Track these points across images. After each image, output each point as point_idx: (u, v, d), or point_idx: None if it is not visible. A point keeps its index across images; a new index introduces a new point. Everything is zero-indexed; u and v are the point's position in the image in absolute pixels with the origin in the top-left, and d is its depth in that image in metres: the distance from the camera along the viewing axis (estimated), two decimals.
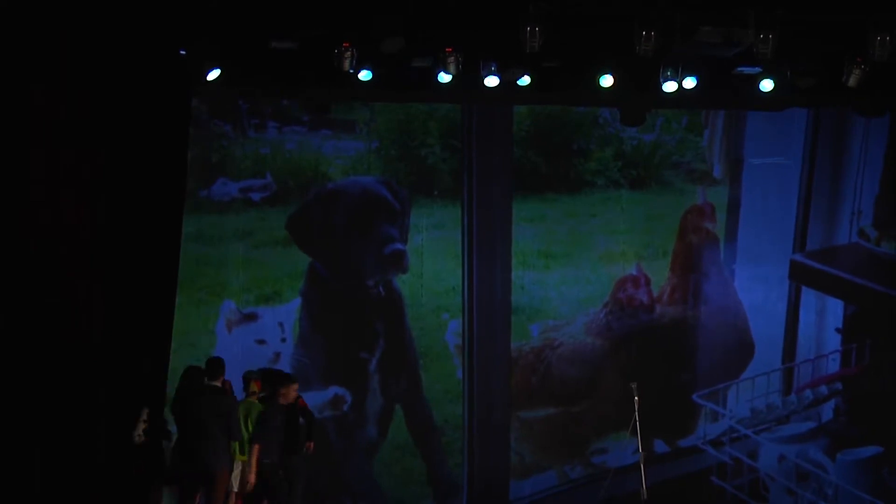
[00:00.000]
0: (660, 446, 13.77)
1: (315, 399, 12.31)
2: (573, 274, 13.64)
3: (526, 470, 13.59)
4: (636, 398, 10.24)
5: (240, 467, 10.76)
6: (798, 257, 13.99)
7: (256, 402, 10.91)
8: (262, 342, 12.95)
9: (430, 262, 13.41)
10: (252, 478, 10.80)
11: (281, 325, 13.00)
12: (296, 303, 13.11)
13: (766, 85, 11.07)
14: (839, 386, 14.10)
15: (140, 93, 9.66)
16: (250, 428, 10.82)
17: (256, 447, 10.76)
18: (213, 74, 10.42)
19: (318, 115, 12.31)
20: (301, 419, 11.10)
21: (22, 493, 9.11)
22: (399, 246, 13.24)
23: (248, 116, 12.94)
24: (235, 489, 10.76)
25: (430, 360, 13.44)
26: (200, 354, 12.13)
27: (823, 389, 14.09)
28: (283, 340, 13.03)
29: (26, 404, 9.20)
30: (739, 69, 11.10)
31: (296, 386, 11.16)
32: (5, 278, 9.18)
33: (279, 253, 13.03)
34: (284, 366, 12.61)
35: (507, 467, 13.46)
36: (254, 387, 10.98)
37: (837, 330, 14.11)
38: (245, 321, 12.86)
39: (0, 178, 9.11)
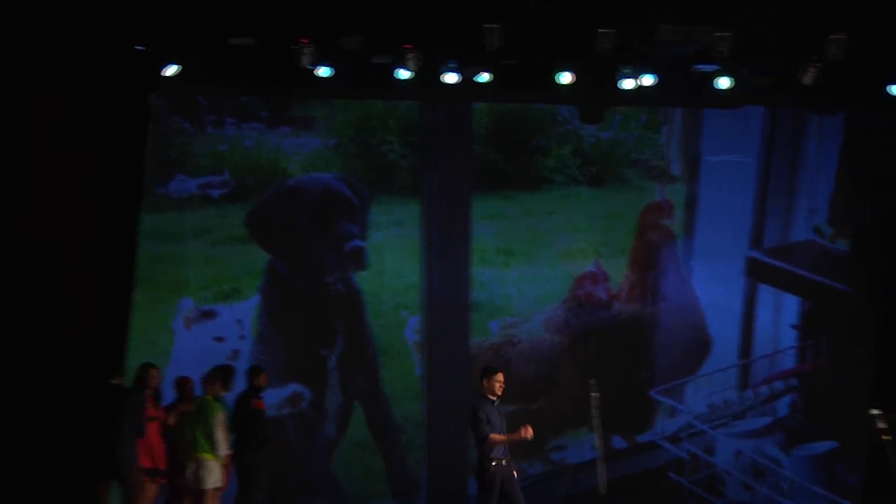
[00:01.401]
0: (618, 442, 13.77)
1: (274, 396, 12.31)
2: (532, 271, 13.65)
3: None
4: (595, 394, 10.19)
5: (205, 465, 10.82)
6: (755, 254, 14.03)
7: (212, 399, 10.96)
8: (220, 339, 12.94)
9: (390, 259, 13.41)
10: (224, 475, 10.87)
11: (240, 322, 12.99)
12: (255, 300, 13.09)
13: (724, 83, 11.18)
14: (795, 382, 14.18)
15: (96, 89, 9.63)
16: (208, 425, 10.84)
17: (228, 444, 10.81)
18: (172, 70, 10.38)
19: (277, 111, 12.23)
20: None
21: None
22: (359, 243, 13.23)
23: (206, 113, 12.93)
24: (208, 486, 10.78)
25: (390, 357, 13.42)
26: (159, 352, 12.14)
27: (779, 385, 14.14)
28: (242, 338, 13.02)
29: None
30: (697, 67, 11.16)
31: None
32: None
33: (238, 250, 13.00)
34: (243, 363, 12.54)
35: (467, 464, 13.12)
36: (214, 389, 10.97)
37: (793, 326, 14.18)
38: (203, 318, 12.85)
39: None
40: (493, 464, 9.72)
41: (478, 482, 9.78)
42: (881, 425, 9.03)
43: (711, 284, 13.91)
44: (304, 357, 13.21)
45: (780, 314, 14.11)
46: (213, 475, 10.89)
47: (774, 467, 13.85)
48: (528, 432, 9.61)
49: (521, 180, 13.64)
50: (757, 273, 14.02)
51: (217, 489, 10.95)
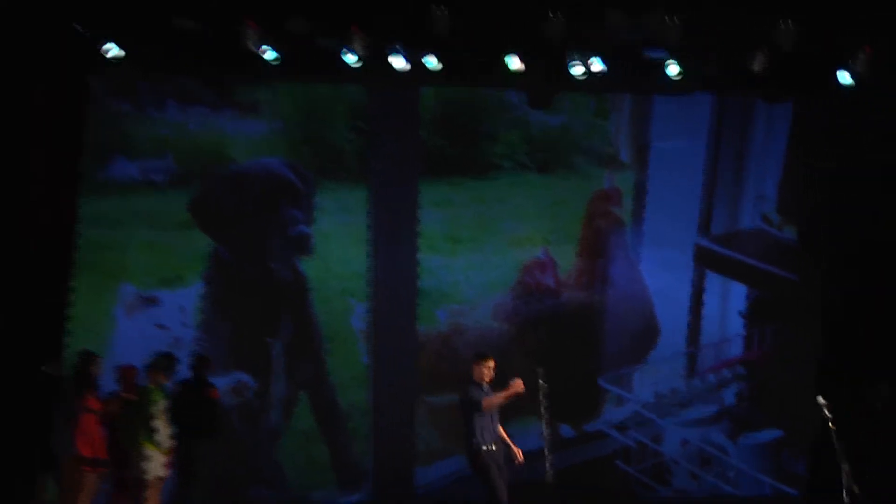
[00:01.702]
0: (566, 431, 13.78)
1: (218, 385, 12.12)
2: (480, 258, 13.57)
3: (432, 456, 13.52)
4: (542, 383, 10.02)
5: (147, 455, 10.70)
6: (703, 241, 13.98)
7: (155, 388, 10.86)
8: (162, 327, 12.82)
9: (336, 246, 13.30)
10: (167, 465, 10.79)
11: (182, 309, 12.90)
12: (198, 287, 12.97)
13: (673, 70, 11.16)
14: (741, 370, 14.12)
15: (34, 70, 9.57)
16: (150, 415, 10.75)
17: (170, 435, 10.74)
18: (112, 52, 10.25)
19: (220, 95, 12.27)
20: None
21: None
22: (304, 229, 13.16)
23: (148, 96, 12.81)
24: (150, 476, 10.68)
25: (336, 345, 13.32)
26: (98, 339, 12.01)
27: (726, 373, 14.10)
28: (185, 325, 12.93)
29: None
30: (646, 53, 11.15)
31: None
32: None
33: (181, 236, 12.87)
34: (186, 351, 12.45)
35: (414, 453, 13.40)
36: (156, 378, 10.86)
37: (741, 314, 14.13)
38: (145, 305, 12.74)
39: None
40: (485, 448, 9.72)
41: (474, 469, 9.78)
42: (827, 413, 8.98)
43: (660, 272, 13.83)
44: (249, 345, 13.11)
45: (727, 302, 14.05)
46: (156, 465, 10.77)
47: (721, 455, 13.84)
48: (519, 385, 9.59)
49: (468, 166, 13.53)
50: (705, 261, 13.98)
51: (159, 479, 10.83)
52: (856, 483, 8.62)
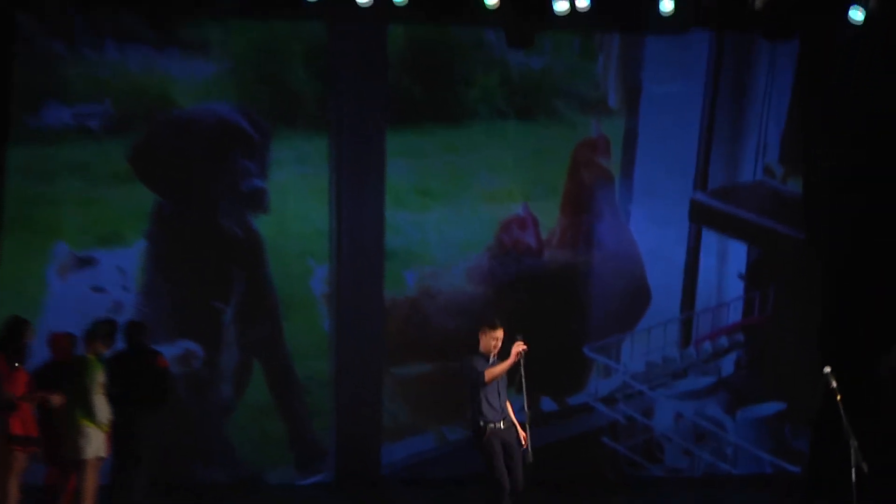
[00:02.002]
0: (547, 404, 13.80)
1: (163, 354, 11.89)
2: (453, 215, 13.61)
3: (400, 432, 13.60)
4: (521, 352, 9.87)
5: (84, 433, 10.68)
6: (699, 196, 14.01)
7: (94, 359, 10.81)
8: (100, 290, 12.84)
9: (294, 201, 13.32)
10: (106, 444, 10.75)
11: (122, 270, 12.92)
12: (140, 246, 13.00)
13: (667, 5, 11.23)
14: (741, 337, 14.20)
15: None
16: (88, 388, 10.72)
17: (109, 410, 10.72)
18: None
19: (165, 32, 12.25)
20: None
21: None
22: (258, 182, 13.19)
23: (83, 34, 12.79)
24: (89, 456, 10.64)
25: (294, 311, 13.34)
26: (28, 303, 12.00)
27: (724, 341, 14.17)
28: (125, 289, 12.94)
29: None
30: None
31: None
32: None
33: (121, 189, 12.86)
34: (127, 317, 12.36)
35: (379, 429, 13.46)
36: (95, 346, 10.84)
37: (740, 276, 14.17)
38: (81, 266, 12.72)
39: None
40: (491, 426, 9.70)
41: (476, 448, 9.81)
42: (833, 384, 9.06)
43: (651, 229, 13.90)
44: (197, 310, 13.14)
45: (725, 263, 14.13)
46: (94, 444, 10.71)
47: (717, 431, 13.92)
48: (519, 347, 9.63)
49: (440, 113, 13.54)
50: (701, 217, 14.03)
51: (98, 459, 10.79)
52: (865, 460, 8.62)
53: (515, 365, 9.82)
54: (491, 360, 9.72)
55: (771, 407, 14.01)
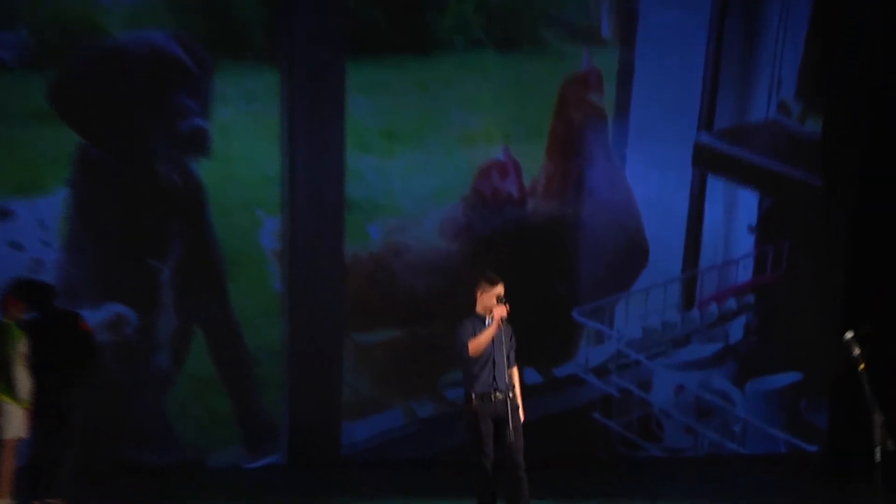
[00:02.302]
0: (531, 376, 13.54)
1: (89, 320, 11.80)
2: (423, 160, 13.70)
3: (361, 408, 13.65)
4: (502, 316, 9.53)
5: (2, 410, 10.62)
6: (704, 138, 14.12)
7: (13, 325, 10.70)
8: (17, 246, 12.83)
9: (241, 144, 13.33)
10: (24, 423, 10.71)
11: (42, 223, 12.89)
12: (61, 195, 12.96)
13: None
14: (751, 299, 14.38)
15: None
16: (7, 359, 10.62)
17: (29, 384, 10.65)
18: None
19: None
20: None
21: None
22: (199, 122, 13.15)
23: None
24: (7, 436, 10.62)
25: (241, 269, 13.38)
26: None
27: (732, 303, 14.32)
28: (46, 244, 12.91)
29: None
30: None
31: None
32: None
33: (40, 130, 12.83)
34: (48, 277, 12.40)
35: (339, 405, 13.51)
36: (14, 311, 10.79)
37: (750, 228, 14.31)
38: None
39: None
40: (481, 398, 9.47)
41: (464, 422, 9.66)
42: (856, 352, 8.80)
43: (650, 176, 13.96)
44: (129, 269, 13.10)
45: (734, 214, 14.25)
46: (13, 422, 10.59)
47: (724, 405, 14.05)
48: (501, 311, 9.48)
49: (409, 43, 13.58)
50: (706, 162, 14.11)
51: (17, 439, 10.71)
52: (891, 437, 8.39)
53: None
54: (488, 321, 9.53)
55: (785, 378, 14.17)
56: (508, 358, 9.57)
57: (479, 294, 9.62)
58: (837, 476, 13.00)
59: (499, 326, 9.43)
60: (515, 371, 9.72)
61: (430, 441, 13.56)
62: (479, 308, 9.59)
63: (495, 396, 9.47)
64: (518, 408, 9.50)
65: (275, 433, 13.50)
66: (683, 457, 14.08)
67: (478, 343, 9.40)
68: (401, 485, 12.76)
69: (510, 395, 9.47)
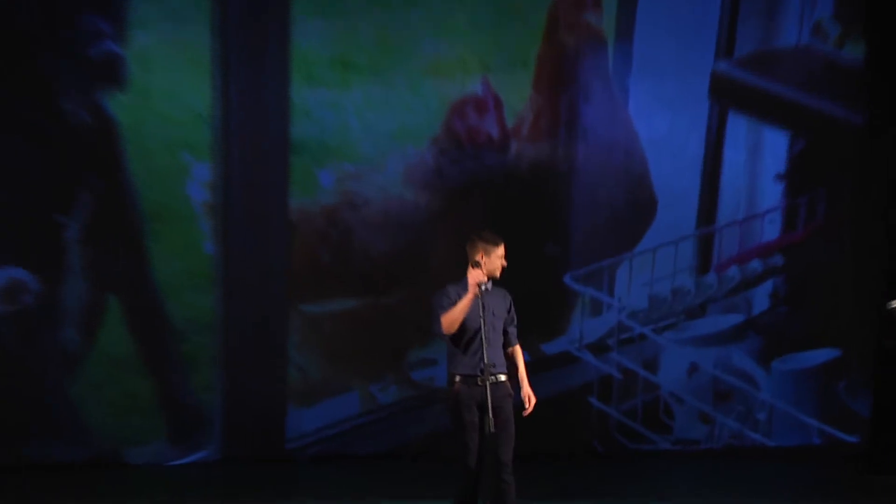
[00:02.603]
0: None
1: None
2: (383, 94, 13.50)
3: (312, 393, 13.42)
4: (483, 282, 9.04)
5: None
6: (722, 67, 13.98)
7: None
8: None
9: (163, 75, 13.11)
10: None
11: None
12: None
13: None
14: (779, 260, 14.17)
15: None
16: None
17: None
18: None
19: None
20: None
21: None
22: (112, 47, 12.88)
23: None
24: None
25: (164, 226, 13.18)
26: None
27: (756, 266, 14.11)
28: None
29: None
30: None
31: None
32: None
33: None
34: None
35: (284, 389, 13.36)
36: None
37: (778, 177, 14.15)
38: None
39: None
40: (461, 381, 9.10)
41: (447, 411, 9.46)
42: None
43: (658, 113, 13.78)
44: (28, 226, 12.91)
45: (758, 159, 14.06)
46: None
47: (747, 388, 13.91)
48: (476, 275, 9.08)
49: None
50: (726, 95, 13.96)
51: None
52: None
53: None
54: (483, 286, 9.06)
55: (819, 355, 14.01)
56: (507, 334, 9.26)
57: (476, 258, 9.14)
58: (881, 472, 12.84)
59: (476, 294, 8.97)
60: (518, 350, 9.43)
61: (392, 432, 13.42)
62: (472, 277, 9.07)
63: (489, 379, 9.04)
64: (508, 395, 9.14)
65: (206, 423, 13.30)
66: (697, 449, 13.97)
67: (452, 318, 8.96)
68: (357, 484, 12.74)
69: (500, 378, 9.12)
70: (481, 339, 9.10)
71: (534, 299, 12.52)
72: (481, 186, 13.64)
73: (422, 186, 13.58)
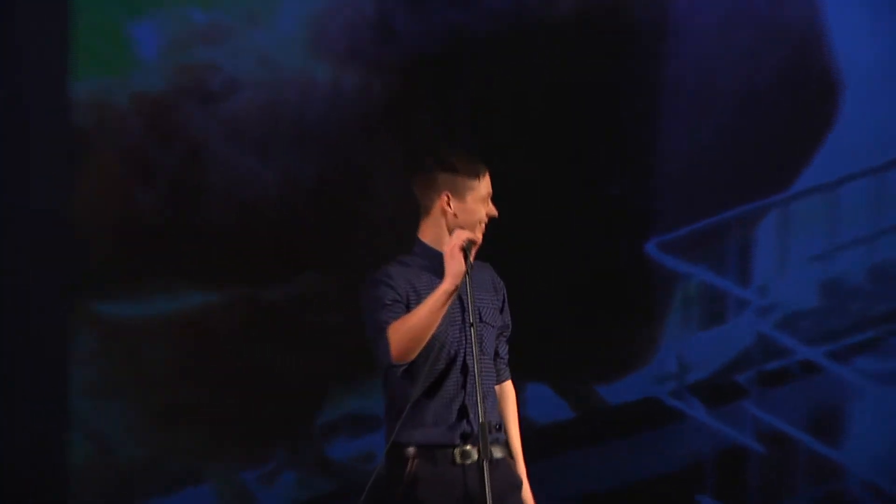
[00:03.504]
0: (545, 402, 9.27)
1: None
2: None
3: (119, 486, 9.08)
4: (462, 240, 5.76)
5: None
6: None
7: None
8: None
9: None
10: None
11: None
12: None
13: None
14: None
15: None
16: None
17: None
18: None
19: None
20: None
21: None
22: None
23: None
24: None
25: None
26: None
27: None
28: None
29: None
30: None
31: None
32: None
33: None
34: None
35: (65, 469, 10.17)
36: None
37: None
38: None
39: None
40: (421, 457, 5.76)
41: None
42: None
43: None
44: None
45: None
46: None
47: None
48: (462, 236, 5.84)
49: None
50: None
51: None
52: None
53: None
54: (468, 268, 5.84)
55: None
56: (498, 356, 5.88)
57: (436, 202, 5.92)
58: None
59: (456, 286, 5.70)
60: (509, 388, 6.04)
61: None
62: (428, 235, 5.96)
63: (463, 454, 5.71)
64: (513, 485, 5.76)
65: None
66: None
67: (408, 329, 5.69)
68: None
69: (496, 452, 5.70)
70: (466, 370, 5.91)
71: (578, 292, 9.08)
72: (471, 55, 8.84)
73: (346, 58, 8.89)
